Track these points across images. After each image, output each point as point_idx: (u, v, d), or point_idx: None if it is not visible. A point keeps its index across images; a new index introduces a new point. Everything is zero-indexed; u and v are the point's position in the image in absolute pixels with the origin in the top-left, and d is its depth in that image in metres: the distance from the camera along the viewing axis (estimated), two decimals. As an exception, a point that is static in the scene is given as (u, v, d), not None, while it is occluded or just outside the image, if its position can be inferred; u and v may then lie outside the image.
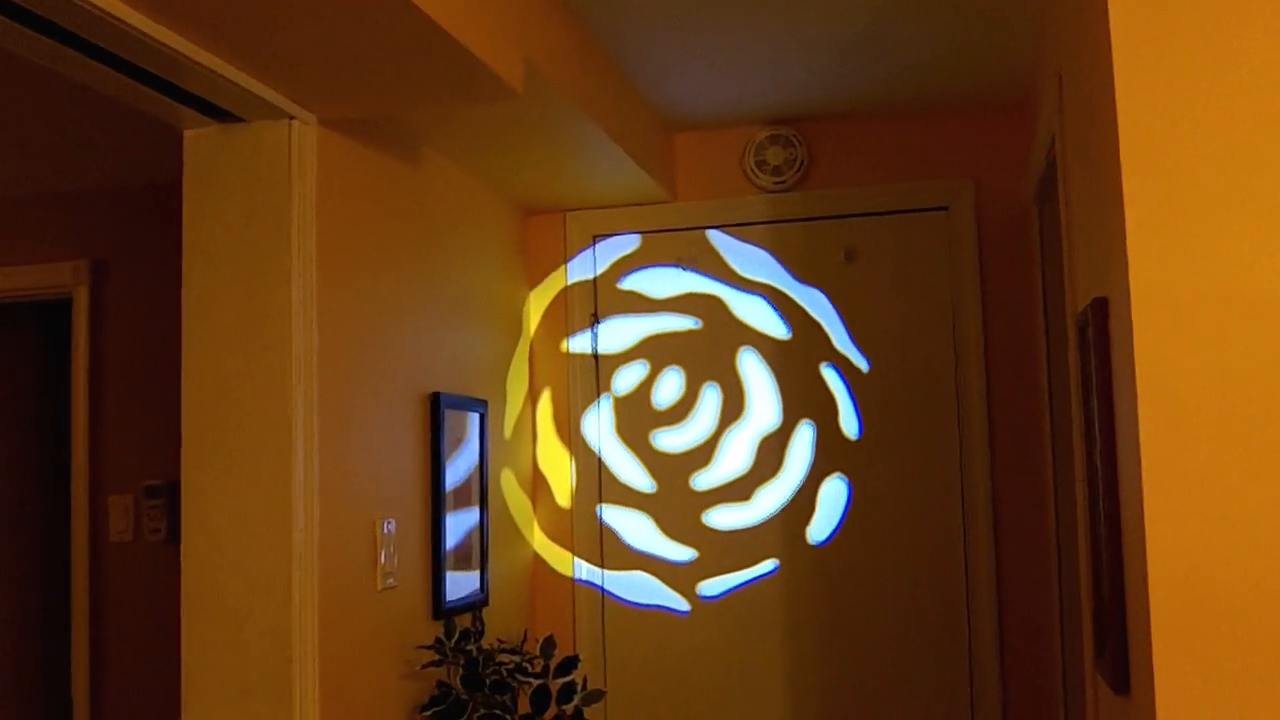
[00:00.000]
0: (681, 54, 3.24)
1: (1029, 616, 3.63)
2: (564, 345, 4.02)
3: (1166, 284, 1.82)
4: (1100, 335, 2.13)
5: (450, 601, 3.23)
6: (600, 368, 3.99)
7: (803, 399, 3.84)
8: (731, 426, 3.88)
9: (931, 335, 3.77)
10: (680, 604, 3.89)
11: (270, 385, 2.56)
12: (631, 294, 3.99)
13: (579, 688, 3.21)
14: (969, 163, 3.78)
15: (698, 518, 3.89)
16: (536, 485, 4.01)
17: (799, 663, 3.79)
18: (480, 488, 3.49)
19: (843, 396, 3.82)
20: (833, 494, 3.81)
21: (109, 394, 4.18)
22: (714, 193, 3.95)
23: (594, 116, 3.08)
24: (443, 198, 3.37)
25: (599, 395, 3.98)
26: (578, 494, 3.97)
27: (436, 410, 3.20)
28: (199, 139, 2.64)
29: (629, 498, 3.94)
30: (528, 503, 3.96)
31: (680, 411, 3.92)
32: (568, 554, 3.97)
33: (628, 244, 4.00)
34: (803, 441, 3.83)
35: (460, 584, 3.32)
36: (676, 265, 3.95)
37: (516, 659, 3.15)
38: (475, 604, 3.40)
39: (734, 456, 3.88)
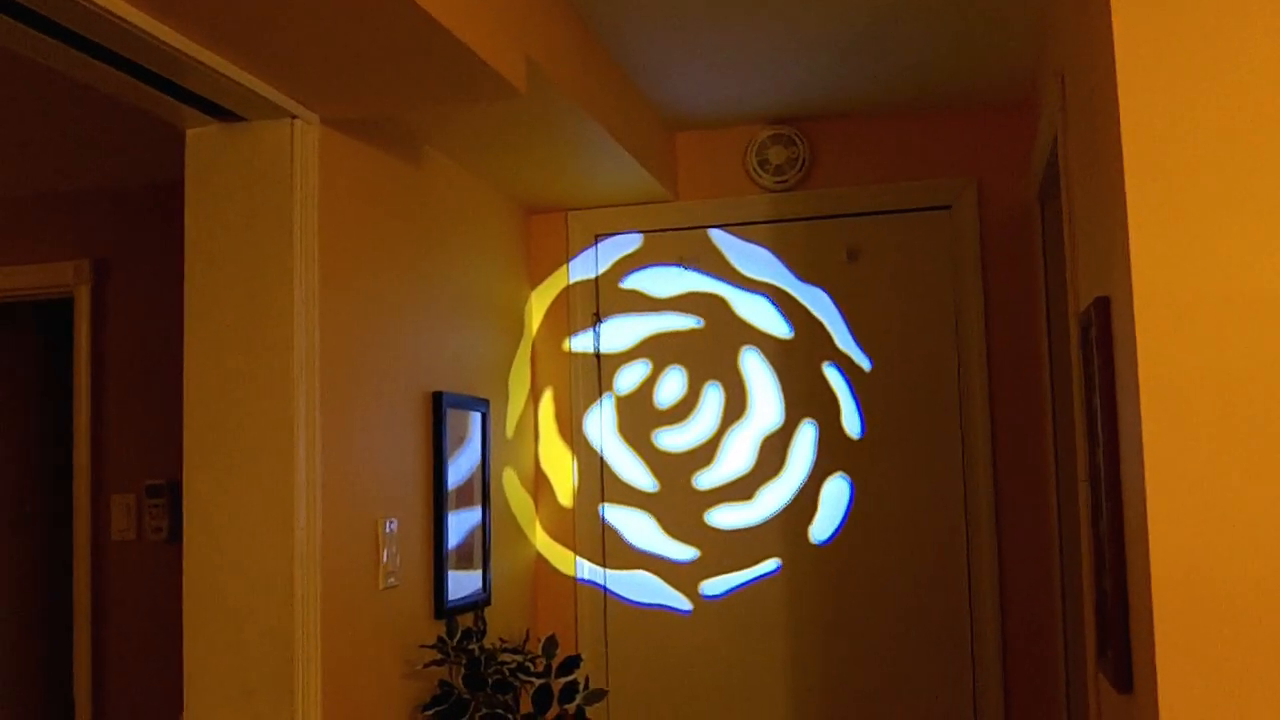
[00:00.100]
0: (683, 53, 3.24)
1: (1031, 615, 3.63)
2: (566, 344, 4.02)
3: (1169, 283, 1.81)
4: (1103, 334, 2.13)
5: (452, 601, 3.23)
6: (602, 367, 3.99)
7: (805, 398, 3.84)
8: (733, 426, 3.88)
9: (934, 334, 3.77)
10: (682, 603, 3.89)
11: (272, 384, 2.56)
12: (633, 293, 3.99)
13: (581, 687, 3.21)
14: (971, 162, 3.77)
15: (700, 517, 3.89)
16: (538, 484, 4.01)
17: (801, 662, 3.79)
18: (482, 487, 3.49)
19: (845, 396, 3.82)
20: (835, 493, 3.81)
21: (111, 393, 4.18)
22: (716, 192, 3.95)
23: (596, 116, 3.08)
24: (444, 197, 3.37)
25: (601, 394, 3.98)
26: (580, 493, 3.97)
27: (438, 409, 3.20)
28: (201, 138, 2.64)
29: (631, 497, 3.94)
30: (530, 502, 3.96)
31: (682, 411, 3.92)
32: (570, 553, 3.97)
33: (629, 243, 4.00)
34: (805, 441, 3.83)
35: (462, 583, 3.32)
36: (678, 264, 3.95)
37: (518, 658, 3.15)
38: (477, 603, 3.40)
39: (736, 456, 3.88)
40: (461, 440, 3.37)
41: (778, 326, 3.87)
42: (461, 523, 3.34)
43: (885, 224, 3.84)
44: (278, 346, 2.57)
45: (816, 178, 3.88)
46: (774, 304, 3.88)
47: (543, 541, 3.99)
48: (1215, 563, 1.76)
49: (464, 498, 3.37)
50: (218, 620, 2.56)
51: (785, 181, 3.86)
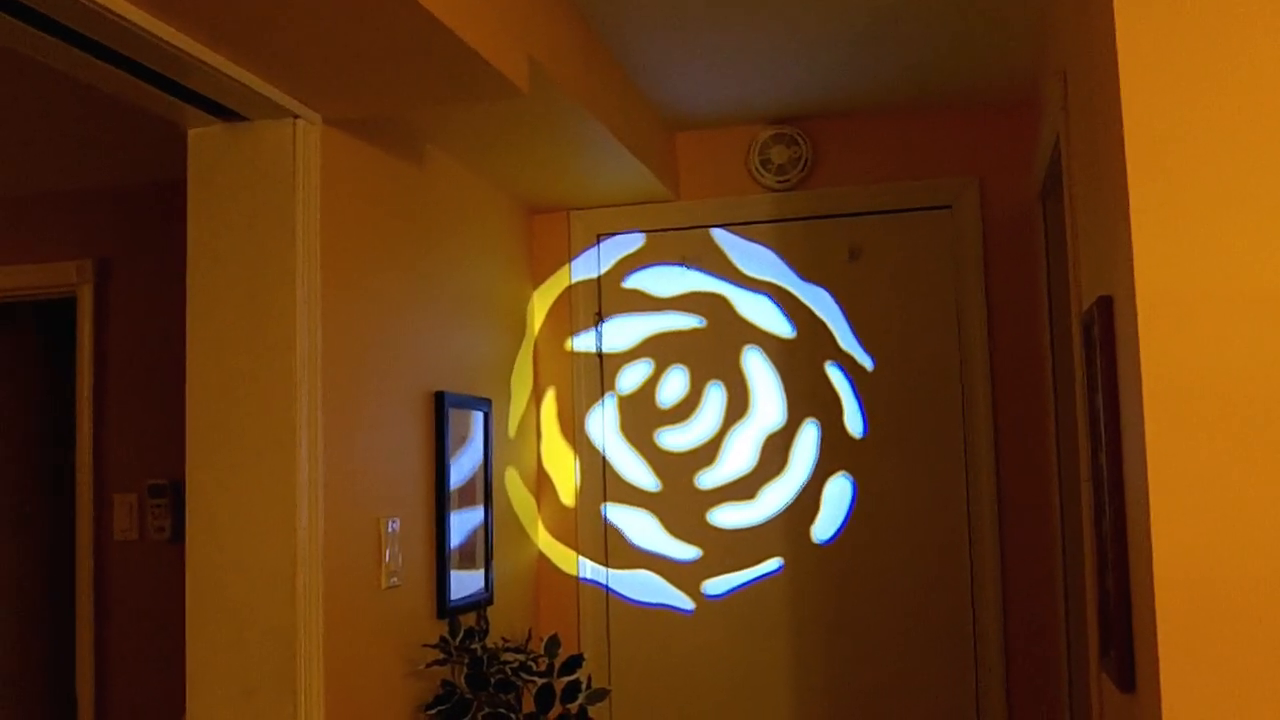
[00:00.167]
0: (685, 52, 3.24)
1: (1034, 614, 3.63)
2: (568, 344, 4.02)
3: (1172, 282, 1.81)
4: (1105, 333, 2.13)
5: (454, 600, 3.23)
6: (604, 366, 3.99)
7: (807, 398, 3.84)
8: (736, 425, 3.88)
9: (936, 334, 3.77)
10: (685, 603, 3.89)
11: (274, 384, 2.56)
12: (635, 292, 3.99)
13: (583, 686, 3.21)
14: (973, 161, 3.77)
15: (702, 516, 3.89)
16: (541, 484, 4.01)
17: (803, 661, 3.79)
18: (484, 486, 3.49)
19: (847, 395, 3.82)
20: (837, 493, 3.80)
21: (113, 393, 4.18)
22: (718, 191, 3.95)
23: (598, 115, 3.08)
24: (447, 196, 3.37)
25: (603, 394, 3.98)
26: (582, 492, 3.97)
27: (441, 409, 3.20)
28: (203, 138, 2.65)
29: (633, 496, 3.94)
30: (532, 501, 3.96)
31: (684, 410, 3.92)
32: (572, 553, 3.97)
33: (632, 243, 4.00)
34: (807, 440, 3.83)
35: (464, 583, 3.32)
36: (680, 264, 3.95)
37: (521, 658, 3.15)
38: (479, 603, 3.40)
39: (738, 455, 3.87)
40: (464, 440, 3.37)
41: (780, 326, 3.87)
42: (464, 522, 3.34)
43: (887, 223, 3.83)
44: (280, 346, 2.57)
45: (818, 177, 3.88)
46: (776, 303, 3.88)
47: (545, 541, 3.99)
48: (1218, 562, 1.76)
49: (466, 497, 3.37)
50: (220, 620, 2.56)
51: (787, 181, 3.86)
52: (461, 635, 3.10)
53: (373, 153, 2.92)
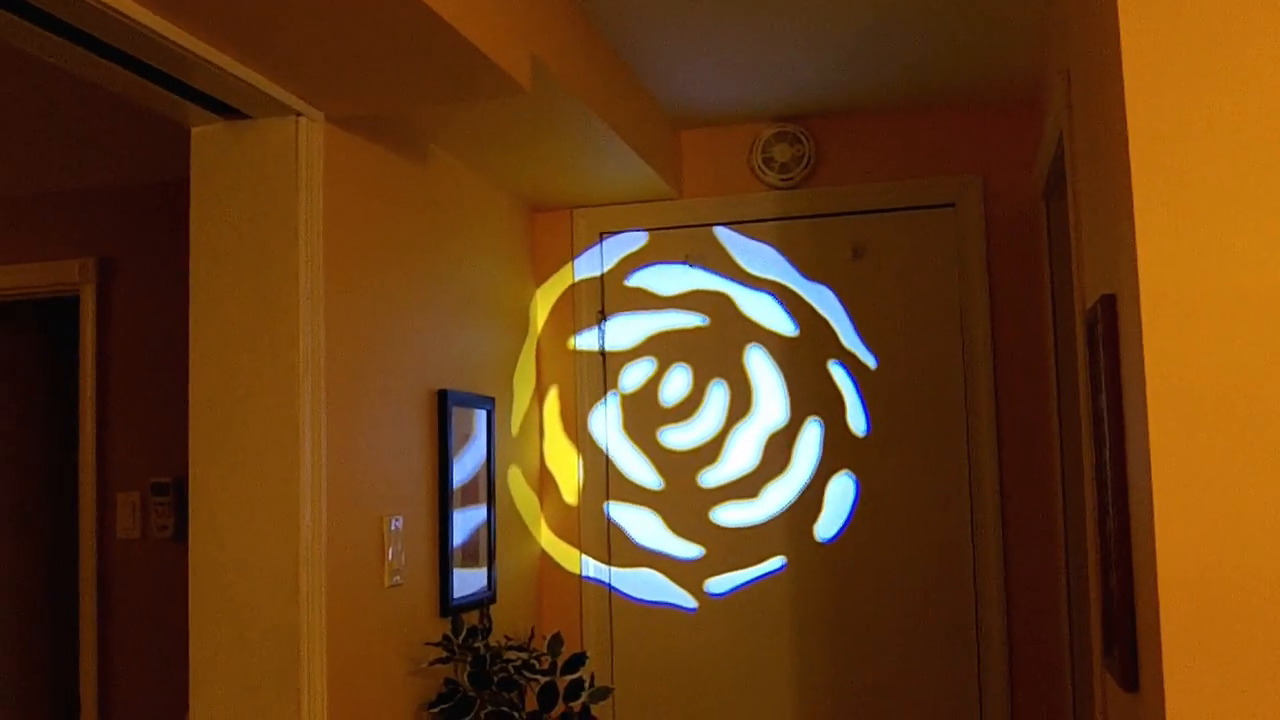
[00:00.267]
0: (688, 51, 3.24)
1: (1037, 613, 3.63)
2: (571, 342, 4.02)
3: (1176, 281, 1.81)
4: (1109, 332, 2.13)
5: (457, 599, 3.23)
6: (607, 365, 3.99)
7: (810, 396, 3.84)
8: (739, 424, 3.88)
9: (939, 332, 3.76)
10: (688, 601, 3.89)
11: (277, 382, 2.57)
12: (638, 291, 3.99)
13: (586, 685, 3.22)
14: (976, 159, 3.77)
15: (705, 515, 3.89)
16: (544, 482, 4.01)
17: (806, 660, 3.79)
18: (487, 485, 3.49)
19: (850, 393, 3.81)
20: (840, 491, 3.80)
21: (116, 391, 4.18)
22: (721, 189, 3.95)
23: (601, 113, 3.08)
24: (449, 195, 3.37)
25: (606, 392, 3.98)
26: (585, 491, 3.97)
27: (444, 407, 3.20)
28: (206, 136, 2.65)
29: (636, 495, 3.94)
30: (535, 500, 3.96)
31: (687, 408, 3.92)
32: (575, 551, 3.97)
33: (635, 241, 4.00)
34: (810, 439, 3.83)
35: (467, 581, 3.32)
36: (684, 262, 3.95)
37: (524, 656, 3.15)
38: (482, 601, 3.40)
39: (741, 454, 3.87)
40: (466, 438, 3.37)
41: (783, 324, 3.87)
42: (467, 521, 3.34)
43: (890, 222, 3.83)
44: (283, 344, 2.57)
45: (821, 175, 3.87)
46: (779, 302, 3.87)
47: (548, 539, 3.99)
48: (1222, 561, 1.76)
49: (469, 496, 3.37)
50: (223, 618, 2.56)
51: (790, 179, 3.85)
52: (464, 634, 3.10)
53: (375, 151, 2.92)
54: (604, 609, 3.93)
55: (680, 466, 3.92)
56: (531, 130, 3.18)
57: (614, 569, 3.94)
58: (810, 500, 3.82)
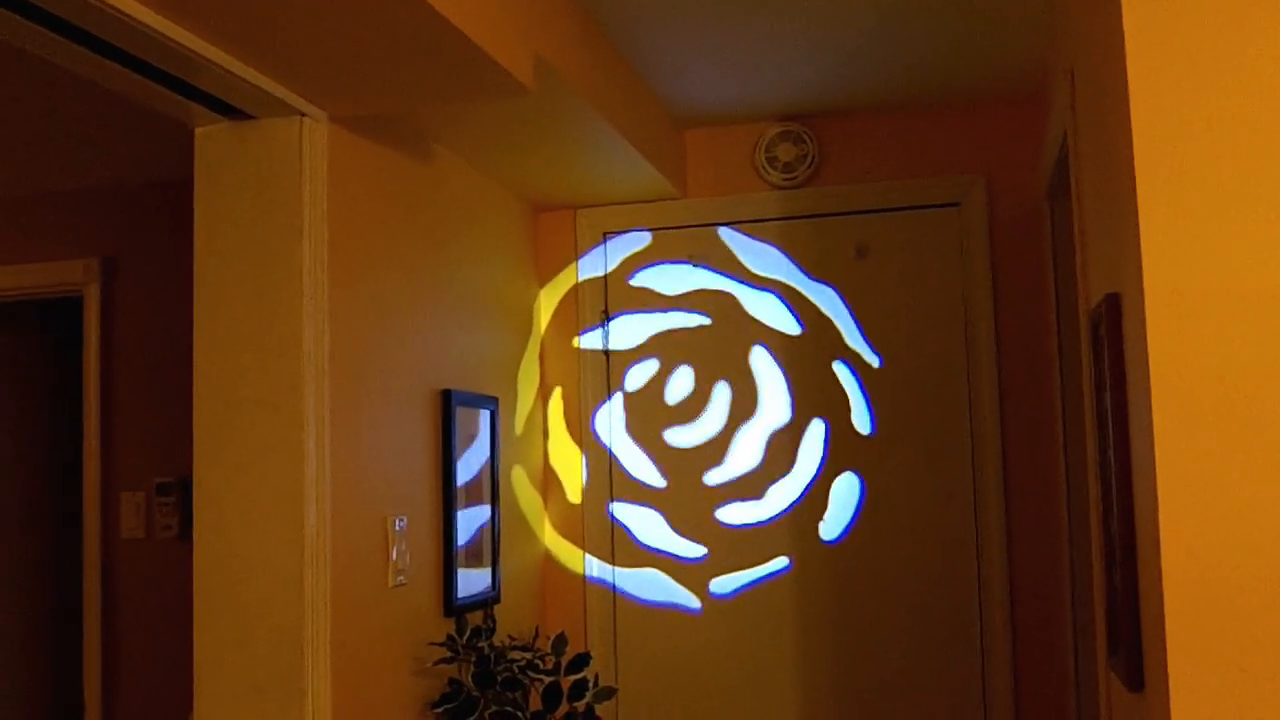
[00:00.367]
0: (691, 50, 3.24)
1: (1042, 613, 3.62)
2: (575, 342, 4.02)
3: (1180, 280, 1.81)
4: (1113, 331, 2.12)
5: (461, 598, 3.23)
6: (611, 364, 3.99)
7: (814, 395, 3.84)
8: (743, 423, 3.88)
9: (943, 331, 3.76)
10: (692, 601, 3.88)
11: (281, 382, 2.57)
12: (642, 290, 3.99)
13: (590, 685, 3.22)
14: (980, 158, 3.76)
15: (709, 515, 3.89)
16: (547, 482, 4.01)
17: (811, 660, 3.79)
18: (491, 484, 3.49)
19: (854, 393, 3.81)
20: (844, 490, 3.80)
21: (120, 391, 4.19)
22: (724, 189, 3.94)
23: (604, 113, 3.08)
24: (453, 195, 3.37)
25: (610, 392, 3.98)
26: (589, 490, 3.97)
27: (447, 407, 3.20)
28: (210, 136, 2.65)
29: (640, 494, 3.94)
30: (539, 499, 3.96)
31: (691, 408, 3.92)
32: (579, 551, 3.97)
33: (638, 241, 4.00)
34: (814, 438, 3.83)
35: (471, 581, 3.32)
36: (687, 262, 3.95)
37: (528, 656, 3.15)
38: (486, 601, 3.40)
39: (745, 453, 3.87)
40: (470, 438, 3.37)
41: (787, 324, 3.87)
42: (470, 520, 3.34)
43: (894, 221, 3.83)
44: (287, 344, 2.57)
45: (825, 175, 3.87)
46: (783, 301, 3.87)
47: (552, 539, 3.99)
48: (1227, 561, 1.75)
49: (473, 495, 3.37)
50: (228, 618, 2.56)
51: (794, 179, 3.85)
52: (468, 633, 3.10)
53: (379, 151, 2.92)
54: (608, 609, 3.93)
55: (684, 466, 3.92)
56: (535, 130, 3.18)
57: (618, 569, 3.94)
58: (814, 500, 3.82)
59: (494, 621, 3.30)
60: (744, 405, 3.88)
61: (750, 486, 3.86)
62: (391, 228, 2.98)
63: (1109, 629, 2.36)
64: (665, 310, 3.96)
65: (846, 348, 3.83)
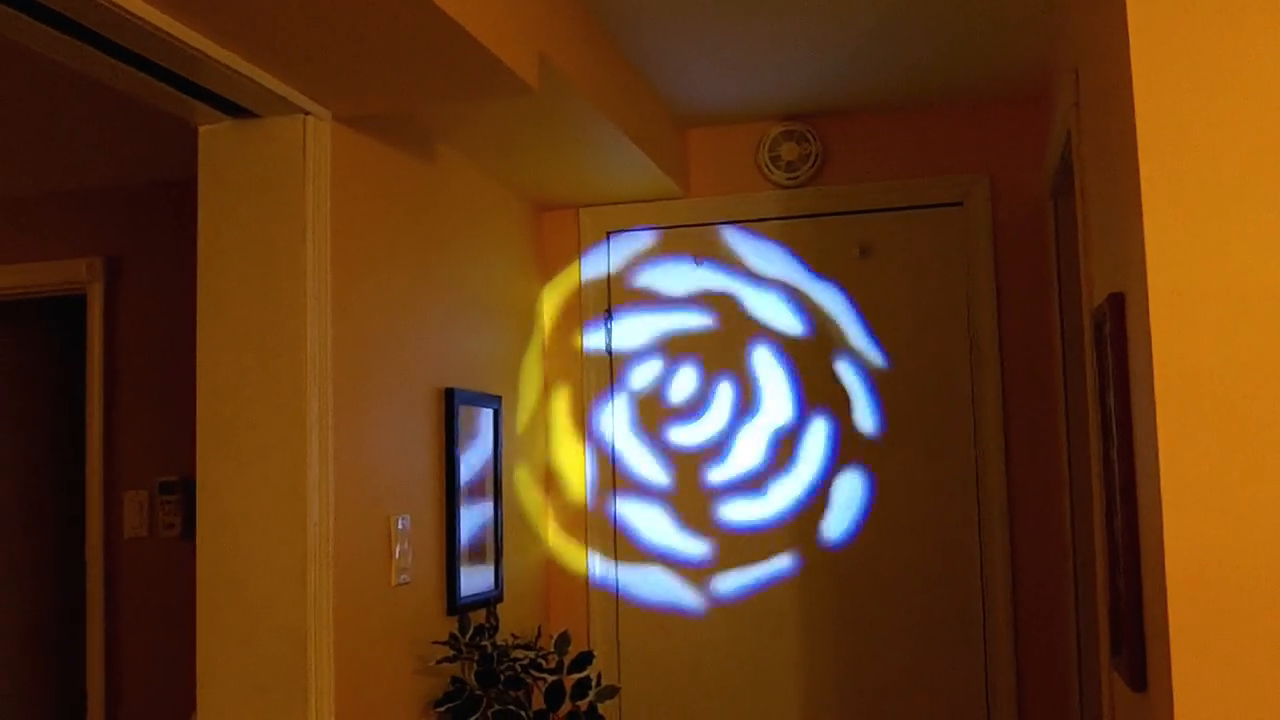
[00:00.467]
0: (695, 49, 3.24)
1: (1045, 612, 3.62)
2: (578, 341, 4.02)
3: (1185, 279, 1.80)
4: (1117, 331, 2.12)
5: (464, 597, 3.23)
6: (614, 363, 3.99)
7: (817, 394, 3.84)
8: (746, 422, 3.88)
9: (947, 331, 3.76)
10: (694, 600, 3.88)
11: (284, 381, 2.57)
12: (645, 289, 3.99)
13: (593, 684, 3.22)
14: (984, 158, 3.76)
15: (712, 514, 3.89)
16: (550, 481, 4.01)
17: (813, 659, 3.79)
18: (494, 483, 3.49)
19: (858, 392, 3.81)
20: (848, 490, 3.80)
21: (123, 390, 4.19)
22: (728, 188, 3.94)
23: (608, 112, 3.08)
24: (456, 194, 3.37)
25: (613, 390, 3.98)
26: (591, 489, 3.97)
27: (450, 406, 3.20)
28: (214, 135, 2.65)
29: (643, 493, 3.94)
30: (541, 498, 3.96)
31: (694, 407, 3.92)
32: (582, 549, 3.97)
33: (641, 239, 4.00)
34: (818, 437, 3.83)
35: (474, 579, 3.32)
36: (691, 261, 3.95)
37: (531, 655, 3.15)
38: (489, 599, 3.40)
39: (748, 452, 3.87)
40: (473, 437, 3.37)
41: (790, 323, 3.87)
42: (473, 519, 3.34)
43: (898, 220, 3.83)
44: (290, 343, 2.57)
45: (829, 174, 3.87)
46: (786, 300, 3.87)
47: (554, 538, 3.99)
48: (1231, 561, 1.75)
49: (476, 494, 3.37)
50: (231, 617, 2.56)
51: (797, 178, 3.85)
52: (471, 632, 3.10)
53: (383, 150, 2.92)
54: (611, 607, 3.93)
55: (687, 465, 3.91)
56: (539, 129, 3.18)
57: (621, 567, 3.94)
58: (817, 499, 3.81)
59: (497, 620, 3.30)
60: (747, 404, 3.88)
61: (753, 485, 3.86)
62: (395, 227, 2.99)
63: (1112, 629, 2.36)
64: (668, 309, 3.96)
65: (849, 347, 3.82)
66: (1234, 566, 1.75)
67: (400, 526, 2.91)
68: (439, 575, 3.14)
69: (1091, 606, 3.07)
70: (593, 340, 4.00)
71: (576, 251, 4.03)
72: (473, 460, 3.35)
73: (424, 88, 2.55)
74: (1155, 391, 1.80)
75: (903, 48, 3.27)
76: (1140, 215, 1.84)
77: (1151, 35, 1.86)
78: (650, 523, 3.93)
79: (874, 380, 3.80)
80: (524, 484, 3.80)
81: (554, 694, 3.14)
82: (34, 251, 4.32)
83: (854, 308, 3.82)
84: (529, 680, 3.09)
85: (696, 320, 3.94)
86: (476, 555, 3.35)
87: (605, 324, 3.99)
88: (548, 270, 4.06)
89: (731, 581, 3.86)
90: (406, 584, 2.94)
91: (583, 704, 3.20)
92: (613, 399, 3.98)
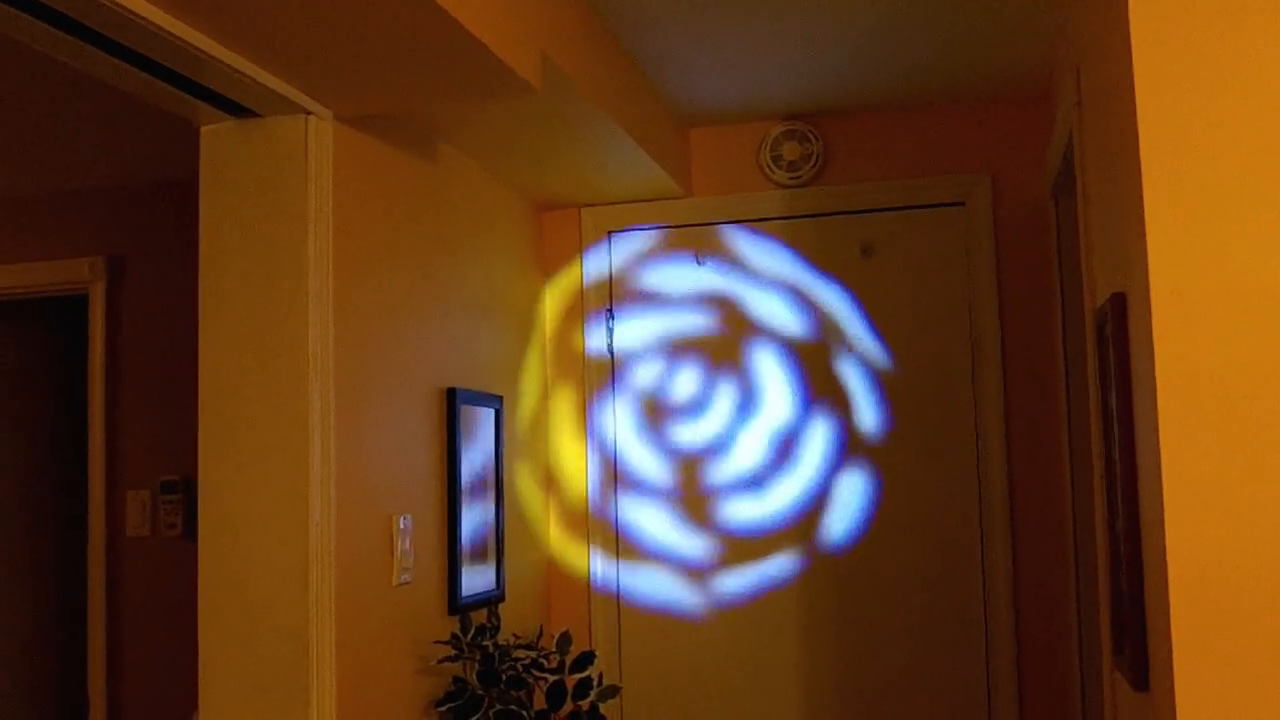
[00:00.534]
0: (697, 49, 3.24)
1: (1046, 612, 3.62)
2: (579, 340, 4.02)
3: (1186, 279, 1.80)
4: (1119, 331, 2.12)
5: (466, 597, 3.23)
6: (615, 363, 3.99)
7: (819, 394, 3.84)
8: (747, 422, 3.88)
9: (948, 331, 3.76)
10: (696, 599, 3.88)
11: (286, 380, 2.57)
12: (647, 289, 3.98)
13: (595, 683, 3.22)
14: (985, 157, 3.76)
15: (713, 514, 3.88)
16: (551, 480, 4.01)
17: (814, 659, 3.79)
18: (495, 483, 3.50)
19: (859, 392, 3.81)
20: (849, 490, 3.80)
21: (125, 389, 4.19)
22: (729, 188, 3.94)
23: (610, 112, 3.07)
24: (458, 193, 3.37)
25: (614, 390, 3.98)
26: (593, 489, 3.97)
27: (452, 406, 3.20)
28: (215, 134, 2.65)
29: (645, 493, 3.94)
30: (543, 498, 3.96)
31: (695, 407, 3.92)
32: (583, 549, 3.96)
33: (643, 239, 4.00)
34: (819, 437, 3.83)
35: (476, 579, 3.32)
36: (692, 260, 3.95)
37: (532, 654, 3.15)
38: (491, 599, 3.40)
39: (750, 452, 3.87)
40: (475, 436, 3.37)
41: (791, 322, 3.87)
42: (475, 519, 3.34)
43: (899, 220, 3.83)
44: (292, 342, 2.57)
45: (830, 174, 3.87)
46: (788, 299, 3.87)
47: (556, 537, 3.99)
48: (1233, 560, 1.75)
49: (477, 494, 3.37)
50: (233, 616, 2.56)
51: (799, 177, 3.85)
52: (473, 632, 3.10)
53: (385, 150, 2.92)
54: (612, 607, 3.93)
55: (689, 465, 3.91)
56: (540, 129, 3.18)
57: (622, 567, 3.94)
58: (819, 498, 3.81)
59: (498, 620, 3.30)
60: (748, 403, 3.88)
61: (754, 485, 3.86)
62: (396, 226, 2.99)
63: (1114, 628, 2.36)
64: (669, 309, 3.96)
65: (851, 346, 3.82)
66: (1236, 566, 1.75)
67: (401, 526, 2.91)
68: (440, 575, 3.14)
69: (1093, 606, 3.07)
70: (594, 340, 4.00)
71: (578, 251, 4.03)
72: (474, 460, 3.35)
73: (426, 87, 2.55)
74: (1157, 391, 1.80)
75: (904, 47, 3.27)
76: (1142, 215, 1.84)
77: (1153, 34, 1.86)
78: (651, 523, 3.93)
79: (876, 380, 3.80)
80: (525, 484, 3.80)
81: (555, 694, 3.14)
82: (36, 251, 4.32)
83: (856, 307, 3.82)
84: (530, 680, 3.09)
85: (698, 320, 3.94)
86: (478, 555, 3.35)
87: (607, 323, 3.99)
88: (549, 270, 4.06)
89: (733, 581, 3.86)
90: (408, 584, 2.95)
91: (584, 704, 3.20)
92: (614, 399, 3.98)
